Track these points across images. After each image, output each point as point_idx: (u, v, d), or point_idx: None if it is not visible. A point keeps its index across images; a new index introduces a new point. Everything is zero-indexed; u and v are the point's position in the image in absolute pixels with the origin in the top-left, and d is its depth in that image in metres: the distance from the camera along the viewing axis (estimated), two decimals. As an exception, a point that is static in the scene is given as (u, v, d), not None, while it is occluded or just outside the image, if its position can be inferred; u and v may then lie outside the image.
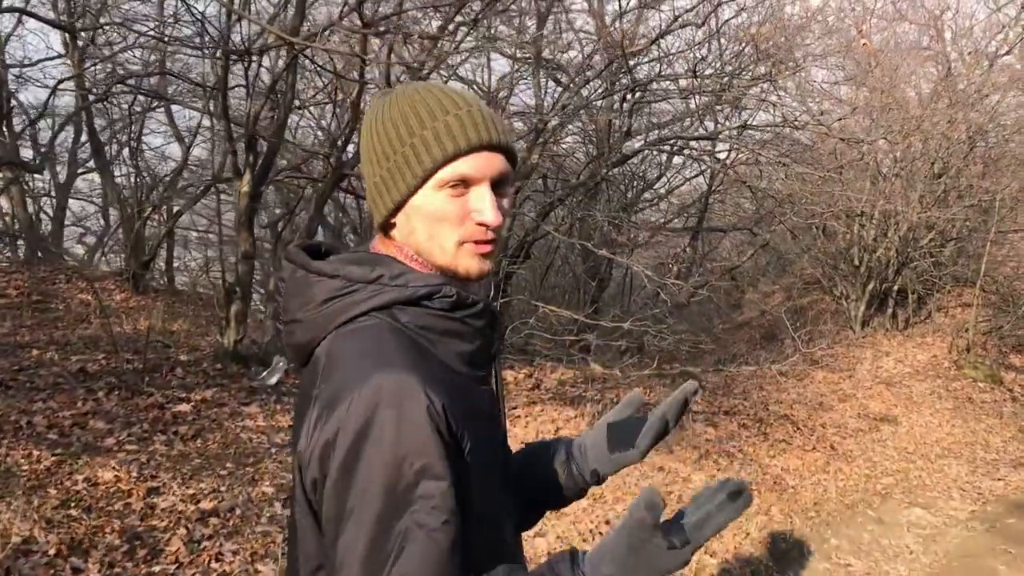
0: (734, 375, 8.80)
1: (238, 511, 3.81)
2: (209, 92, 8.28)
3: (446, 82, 8.48)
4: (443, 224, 1.09)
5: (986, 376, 10.40)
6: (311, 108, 9.86)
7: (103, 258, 12.49)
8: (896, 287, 12.90)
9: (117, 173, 11.03)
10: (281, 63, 7.13)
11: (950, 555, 5.43)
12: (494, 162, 1.10)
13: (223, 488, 4.03)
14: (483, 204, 1.09)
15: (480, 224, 1.10)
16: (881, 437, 7.77)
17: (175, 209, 9.77)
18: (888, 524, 5.77)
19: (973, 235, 12.58)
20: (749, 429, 7.06)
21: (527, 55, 8.37)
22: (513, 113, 8.66)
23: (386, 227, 1.16)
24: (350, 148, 6.94)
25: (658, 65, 9.50)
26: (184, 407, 5.05)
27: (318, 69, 8.03)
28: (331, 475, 0.98)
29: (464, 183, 1.09)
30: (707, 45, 9.29)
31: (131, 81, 8.83)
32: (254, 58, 6.09)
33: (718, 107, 10.46)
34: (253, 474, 4.29)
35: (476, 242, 1.11)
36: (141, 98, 9.71)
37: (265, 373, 6.25)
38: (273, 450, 4.69)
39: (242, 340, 6.21)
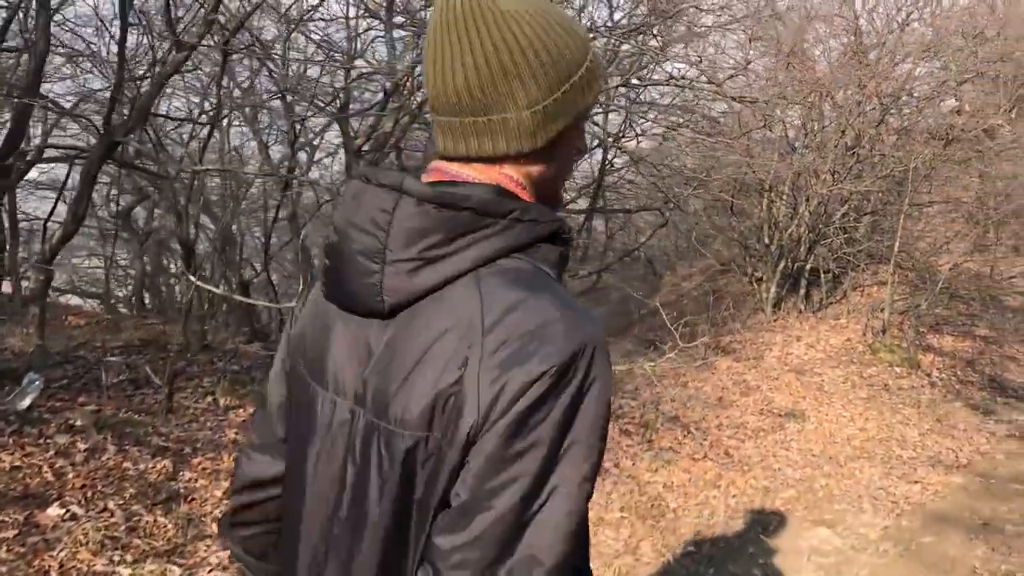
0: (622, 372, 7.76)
1: None
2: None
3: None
4: (576, 156, 1.12)
5: (903, 360, 9.60)
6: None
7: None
8: (809, 266, 12.08)
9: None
10: None
11: (858, 590, 4.45)
12: None
13: None
14: (586, 139, 1.13)
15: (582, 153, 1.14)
16: (785, 437, 6.81)
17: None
18: (785, 553, 4.75)
19: (888, 209, 11.78)
20: (632, 437, 6.01)
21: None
22: (360, 75, 7.45)
23: (518, 155, 1.03)
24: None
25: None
26: None
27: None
28: (516, 414, 0.90)
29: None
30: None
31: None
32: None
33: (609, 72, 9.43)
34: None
35: None
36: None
37: (13, 395, 4.94)
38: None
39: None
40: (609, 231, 13.11)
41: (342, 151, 7.75)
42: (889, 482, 6.13)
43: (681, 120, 10.02)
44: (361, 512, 1.01)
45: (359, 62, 7.74)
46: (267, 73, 6.70)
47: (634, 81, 8.02)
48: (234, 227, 7.08)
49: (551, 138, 1.02)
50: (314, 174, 7.67)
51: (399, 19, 7.25)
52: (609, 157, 11.68)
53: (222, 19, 5.59)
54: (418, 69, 7.28)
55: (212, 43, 6.16)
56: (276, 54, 6.04)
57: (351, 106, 7.50)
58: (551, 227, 1.02)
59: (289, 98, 6.84)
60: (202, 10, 5.52)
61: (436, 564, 0.94)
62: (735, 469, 5.76)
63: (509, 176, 1.04)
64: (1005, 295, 12.53)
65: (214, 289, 5.40)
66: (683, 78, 7.80)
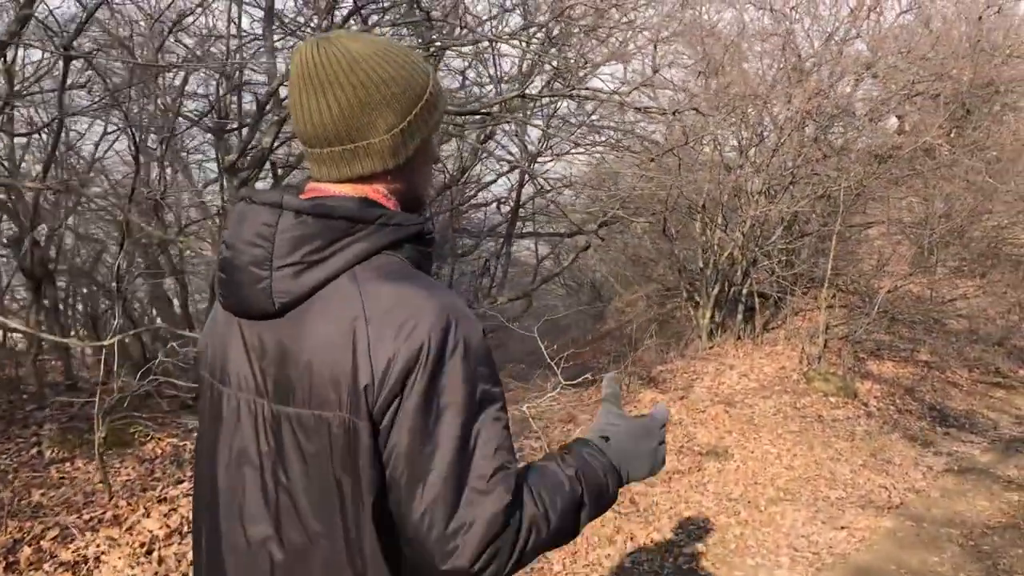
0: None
1: None
2: None
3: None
4: (432, 163, 1.32)
5: (838, 389, 9.08)
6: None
7: None
8: (745, 290, 11.58)
9: None
10: None
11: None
12: None
13: None
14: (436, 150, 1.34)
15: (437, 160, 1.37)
16: (702, 479, 6.20)
17: None
18: (681, 623, 4.12)
19: (827, 231, 11.32)
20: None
21: None
22: (237, 86, 6.76)
23: (384, 172, 1.23)
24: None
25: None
26: None
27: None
28: (418, 389, 1.07)
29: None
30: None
31: None
32: None
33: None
34: None
35: None
36: None
37: None
38: None
39: None
40: (538, 256, 12.50)
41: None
42: (813, 528, 5.54)
43: (606, 139, 9.48)
44: (285, 491, 1.15)
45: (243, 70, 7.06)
46: (125, 81, 6.00)
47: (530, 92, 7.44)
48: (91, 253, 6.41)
49: (409, 155, 1.23)
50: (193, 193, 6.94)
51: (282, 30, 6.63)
52: (535, 179, 11.07)
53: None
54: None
55: (52, 47, 5.50)
56: (126, 60, 5.37)
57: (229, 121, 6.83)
58: (414, 229, 1.21)
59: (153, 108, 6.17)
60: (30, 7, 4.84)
61: (414, 534, 1.09)
62: (637, 520, 5.12)
63: (376, 190, 1.24)
64: (948, 318, 12.15)
65: (12, 325, 4.68)
66: (579, 90, 7.24)
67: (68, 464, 4.71)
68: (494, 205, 12.93)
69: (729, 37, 12.31)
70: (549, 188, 11.87)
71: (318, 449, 1.12)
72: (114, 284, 5.76)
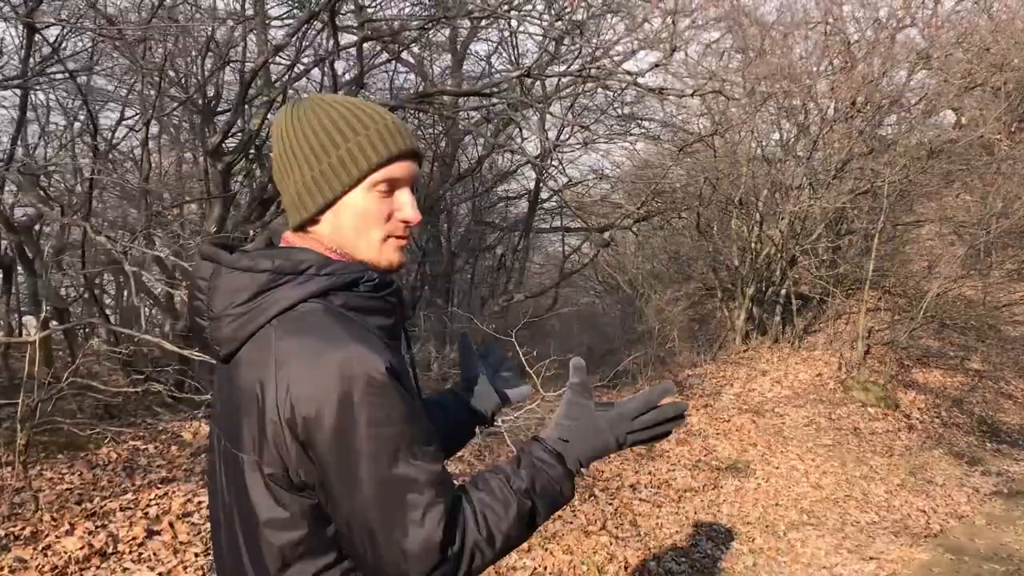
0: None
1: None
2: None
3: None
4: (372, 221, 1.26)
5: (878, 399, 8.43)
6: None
7: None
8: (784, 291, 10.94)
9: None
10: None
11: None
12: (412, 167, 1.28)
13: None
14: (407, 204, 1.28)
15: (403, 221, 1.28)
16: (717, 499, 5.66)
17: None
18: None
19: (873, 228, 10.61)
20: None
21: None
22: (226, 62, 6.37)
23: (307, 224, 1.27)
24: None
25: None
26: None
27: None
28: (324, 444, 1.10)
29: (391, 185, 1.26)
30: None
31: None
32: None
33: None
34: None
35: (397, 237, 1.29)
36: None
37: None
38: None
39: None
40: (564, 251, 11.98)
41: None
42: (837, 559, 4.97)
43: (630, 128, 8.94)
44: (233, 524, 1.24)
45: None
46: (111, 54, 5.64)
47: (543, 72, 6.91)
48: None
49: (317, 209, 1.25)
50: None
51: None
52: (544, 175, 10.54)
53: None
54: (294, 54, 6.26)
55: (15, 13, 5.15)
56: (97, 30, 5.00)
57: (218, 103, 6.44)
58: (345, 278, 1.21)
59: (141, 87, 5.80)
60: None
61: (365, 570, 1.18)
62: (635, 546, 4.60)
63: (318, 240, 1.27)
64: (1003, 324, 11.35)
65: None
66: (593, 68, 6.68)
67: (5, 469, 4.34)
68: (524, 198, 12.47)
69: (771, 22, 11.67)
70: (577, 181, 11.31)
71: (238, 488, 1.20)
72: (42, 273, 5.42)
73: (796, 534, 5.25)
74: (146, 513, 3.69)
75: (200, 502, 3.90)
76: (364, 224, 1.26)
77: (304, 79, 6.30)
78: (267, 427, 1.13)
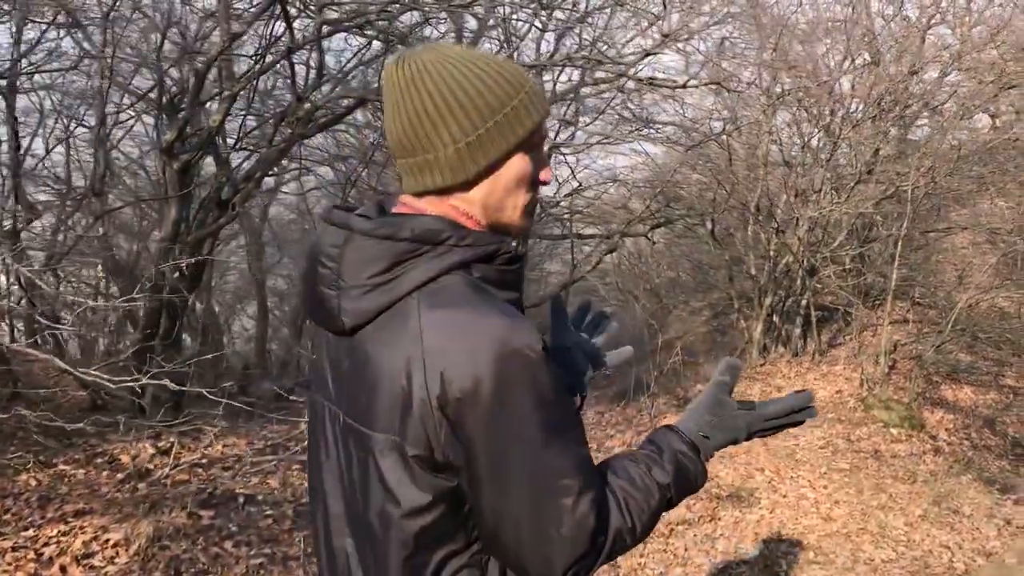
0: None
1: None
2: None
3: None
4: (525, 184, 1.23)
5: (902, 419, 7.82)
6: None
7: None
8: (804, 302, 10.33)
9: None
10: None
11: None
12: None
13: None
14: (549, 169, 1.26)
15: (545, 182, 1.26)
16: (713, 532, 5.12)
17: None
18: None
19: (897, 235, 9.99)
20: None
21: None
22: (188, 52, 5.96)
23: (456, 188, 1.20)
24: None
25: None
26: None
27: None
28: (476, 423, 1.07)
29: (541, 146, 1.24)
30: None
31: None
32: None
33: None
34: None
35: (535, 200, 1.26)
36: None
37: None
38: None
39: None
40: (574, 258, 11.49)
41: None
42: (845, 604, 4.42)
43: (636, 129, 8.46)
44: (355, 506, 1.20)
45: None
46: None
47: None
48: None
49: (479, 170, 1.18)
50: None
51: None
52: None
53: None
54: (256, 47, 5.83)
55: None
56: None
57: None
58: (486, 250, 1.16)
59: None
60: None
61: (507, 563, 1.16)
62: (611, 590, 4.08)
63: (455, 207, 1.21)
64: (1043, 338, 10.63)
65: None
66: (578, 57, 6.19)
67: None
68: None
69: (790, 17, 11.11)
70: (586, 186, 10.84)
71: (371, 467, 1.15)
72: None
73: (799, 575, 4.70)
74: (39, 555, 3.26)
75: (107, 540, 3.47)
76: (520, 186, 1.22)
77: (272, 74, 5.87)
78: (414, 405, 1.08)
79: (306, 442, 1.45)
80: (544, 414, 1.08)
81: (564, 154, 9.67)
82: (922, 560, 5.19)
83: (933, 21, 12.54)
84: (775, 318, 10.56)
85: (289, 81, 5.29)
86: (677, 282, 18.36)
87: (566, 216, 11.42)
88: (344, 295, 1.15)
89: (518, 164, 1.20)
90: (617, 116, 10.52)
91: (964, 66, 12.23)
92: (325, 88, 6.28)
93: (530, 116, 1.19)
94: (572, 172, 10.63)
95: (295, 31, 4.83)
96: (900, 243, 8.37)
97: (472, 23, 9.09)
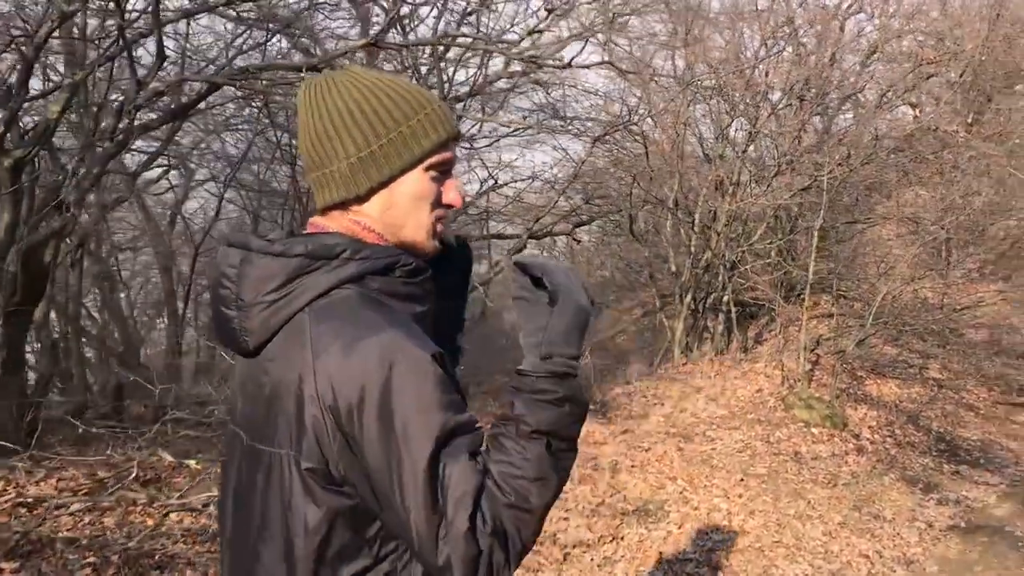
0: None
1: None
2: None
3: None
4: (425, 203, 1.24)
5: (823, 417, 7.50)
6: None
7: None
8: (726, 298, 10.01)
9: None
10: None
11: None
12: (455, 152, 1.29)
13: None
14: (454, 188, 1.27)
15: (449, 205, 1.27)
16: (613, 554, 4.67)
17: None
18: None
19: (810, 226, 9.72)
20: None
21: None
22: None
23: (352, 202, 1.23)
24: None
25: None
26: None
27: None
28: (367, 433, 1.08)
29: (444, 168, 1.25)
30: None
31: None
32: None
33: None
34: None
35: (441, 220, 1.27)
36: None
37: None
38: None
39: None
40: (492, 261, 11.03)
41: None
42: (752, 630, 4.00)
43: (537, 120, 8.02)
44: (250, 527, 1.20)
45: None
46: None
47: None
48: None
49: (372, 185, 1.21)
50: None
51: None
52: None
53: None
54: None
55: None
56: None
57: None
58: (383, 262, 1.18)
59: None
60: None
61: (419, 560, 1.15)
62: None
63: (357, 222, 1.23)
64: (965, 328, 10.50)
65: None
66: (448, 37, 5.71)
67: None
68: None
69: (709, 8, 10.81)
70: (503, 182, 10.38)
71: (271, 485, 1.15)
72: None
73: (702, 601, 4.28)
74: None
75: None
76: (418, 206, 1.24)
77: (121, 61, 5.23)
78: (306, 419, 1.10)
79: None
80: (429, 420, 1.08)
81: (477, 148, 9.18)
82: (839, 573, 4.82)
83: (852, 9, 12.42)
84: (698, 316, 10.24)
85: (129, 66, 4.68)
86: (613, 281, 18.06)
87: (483, 216, 10.93)
88: (243, 314, 1.17)
89: (416, 181, 1.22)
90: (537, 111, 10.16)
91: (883, 54, 12.12)
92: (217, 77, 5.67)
93: (428, 137, 1.21)
94: (488, 171, 10.16)
95: (126, 14, 4.24)
96: (816, 234, 8.06)
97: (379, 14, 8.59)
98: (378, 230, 1.23)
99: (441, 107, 1.24)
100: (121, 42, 4.39)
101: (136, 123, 4.76)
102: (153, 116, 5.59)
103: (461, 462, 1.09)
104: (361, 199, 1.22)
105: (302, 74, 4.98)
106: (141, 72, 4.54)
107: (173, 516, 4.14)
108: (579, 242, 13.69)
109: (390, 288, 1.19)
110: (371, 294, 1.17)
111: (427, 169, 1.22)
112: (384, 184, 1.21)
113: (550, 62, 5.85)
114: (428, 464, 1.07)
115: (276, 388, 1.14)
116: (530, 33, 5.51)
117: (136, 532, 3.97)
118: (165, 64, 5.20)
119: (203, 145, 9.31)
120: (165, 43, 5.17)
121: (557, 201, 9.11)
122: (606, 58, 8.04)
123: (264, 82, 5.33)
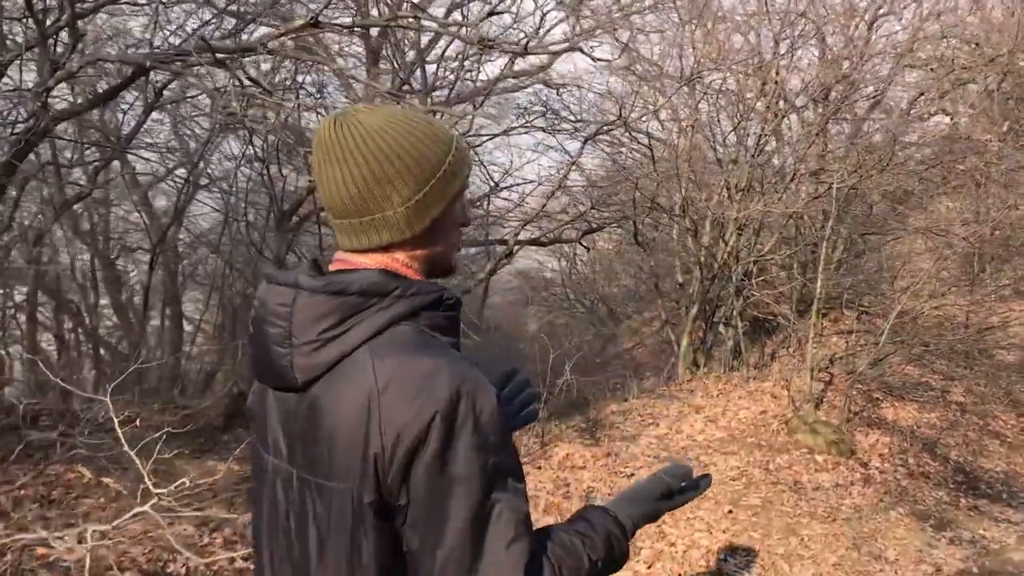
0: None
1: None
2: None
3: None
4: (457, 228, 1.33)
5: (829, 444, 6.92)
6: None
7: None
8: (735, 312, 9.46)
9: None
10: None
11: None
12: None
13: None
14: (471, 209, 1.38)
15: (468, 223, 1.35)
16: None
17: None
18: None
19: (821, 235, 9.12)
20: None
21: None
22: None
23: (405, 242, 1.26)
24: None
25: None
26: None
27: None
28: (423, 466, 1.11)
29: (464, 194, 1.32)
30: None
31: None
32: None
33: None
34: None
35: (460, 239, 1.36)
36: None
37: None
38: None
39: None
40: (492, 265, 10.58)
41: None
42: None
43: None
44: (304, 559, 1.22)
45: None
46: None
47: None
48: None
49: (426, 225, 1.25)
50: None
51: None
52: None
53: None
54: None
55: None
56: None
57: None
58: (431, 297, 1.23)
59: None
60: None
61: None
62: None
63: (396, 259, 1.27)
64: (996, 349, 9.84)
65: None
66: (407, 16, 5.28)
67: None
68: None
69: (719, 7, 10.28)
70: (505, 186, 9.95)
71: (332, 518, 1.17)
72: None
73: (662, 655, 3.77)
74: None
75: None
76: (456, 234, 1.32)
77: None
78: (370, 452, 1.12)
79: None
80: (492, 459, 1.12)
81: (479, 154, 8.77)
82: (826, 625, 4.29)
83: (881, 12, 11.82)
84: (706, 331, 9.70)
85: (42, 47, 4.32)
86: (636, 290, 17.57)
87: (482, 220, 10.52)
88: (296, 351, 1.19)
89: (454, 213, 1.29)
90: (537, 114, 9.75)
91: (912, 59, 11.49)
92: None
93: (463, 172, 1.28)
94: (488, 174, 9.74)
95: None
96: (825, 246, 7.49)
97: None
98: (415, 266, 1.28)
99: (459, 139, 1.29)
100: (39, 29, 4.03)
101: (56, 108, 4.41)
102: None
103: (519, 513, 1.15)
104: (415, 239, 1.26)
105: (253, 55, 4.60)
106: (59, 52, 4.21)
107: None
108: (588, 249, 13.22)
109: (433, 321, 1.23)
110: (424, 329, 1.21)
111: (459, 197, 1.30)
112: (436, 221, 1.26)
113: (504, 46, 5.40)
114: (480, 505, 1.11)
115: (335, 423, 1.16)
116: (490, 14, 5.06)
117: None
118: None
119: (172, 142, 8.99)
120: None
121: (545, 204, 8.63)
122: (608, 56, 7.56)
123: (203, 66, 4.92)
